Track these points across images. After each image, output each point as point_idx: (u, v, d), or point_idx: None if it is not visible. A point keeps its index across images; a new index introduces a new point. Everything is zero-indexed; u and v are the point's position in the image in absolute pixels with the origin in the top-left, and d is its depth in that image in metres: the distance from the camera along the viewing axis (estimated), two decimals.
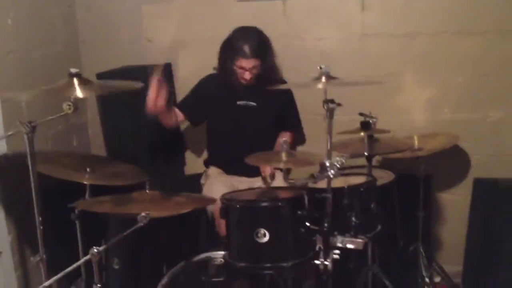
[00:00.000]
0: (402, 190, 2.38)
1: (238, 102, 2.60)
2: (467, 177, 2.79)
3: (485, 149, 2.74)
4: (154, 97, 2.32)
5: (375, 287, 2.25)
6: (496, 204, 2.63)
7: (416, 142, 2.57)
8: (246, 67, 2.47)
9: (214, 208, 2.24)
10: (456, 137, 2.57)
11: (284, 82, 2.67)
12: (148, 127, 2.74)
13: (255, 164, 2.04)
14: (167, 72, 2.90)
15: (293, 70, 2.74)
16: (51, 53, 2.73)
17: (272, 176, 2.41)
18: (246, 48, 2.44)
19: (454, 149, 2.64)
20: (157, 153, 2.82)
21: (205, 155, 2.86)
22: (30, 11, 2.54)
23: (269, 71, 2.54)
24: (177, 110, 2.63)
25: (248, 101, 2.60)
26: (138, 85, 1.92)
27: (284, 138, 2.29)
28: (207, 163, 2.79)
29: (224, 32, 2.56)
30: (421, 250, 2.55)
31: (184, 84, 2.78)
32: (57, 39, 2.80)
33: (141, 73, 2.73)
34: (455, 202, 2.83)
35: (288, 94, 2.70)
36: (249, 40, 2.46)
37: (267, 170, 2.43)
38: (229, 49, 2.51)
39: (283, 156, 2.00)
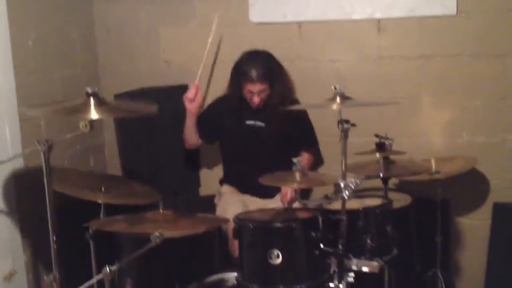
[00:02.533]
0: (419, 213, 2.34)
1: (247, 122, 2.61)
2: (486, 201, 2.73)
3: (504, 174, 2.68)
4: (192, 96, 2.53)
5: None
6: None
7: (433, 165, 2.53)
8: (253, 91, 2.49)
9: (227, 228, 2.22)
10: (474, 161, 2.53)
11: (297, 102, 2.67)
12: (163, 149, 2.76)
13: (269, 184, 2.02)
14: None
15: (308, 92, 2.74)
16: (71, 74, 2.77)
17: (292, 201, 2.34)
18: (253, 73, 2.45)
19: (472, 173, 2.59)
20: (172, 174, 2.82)
21: (220, 175, 2.86)
22: (51, 33, 2.60)
23: (278, 96, 2.53)
24: None
25: (257, 121, 2.60)
26: (152, 109, 1.96)
27: (300, 158, 2.28)
28: (222, 182, 2.79)
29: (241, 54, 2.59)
30: (440, 276, 2.49)
31: None
32: (76, 60, 2.86)
33: (159, 94, 2.77)
34: (474, 227, 2.76)
35: (300, 114, 2.66)
36: (256, 65, 2.47)
37: (287, 195, 2.36)
38: (237, 73, 2.54)
39: (297, 176, 1.99)
